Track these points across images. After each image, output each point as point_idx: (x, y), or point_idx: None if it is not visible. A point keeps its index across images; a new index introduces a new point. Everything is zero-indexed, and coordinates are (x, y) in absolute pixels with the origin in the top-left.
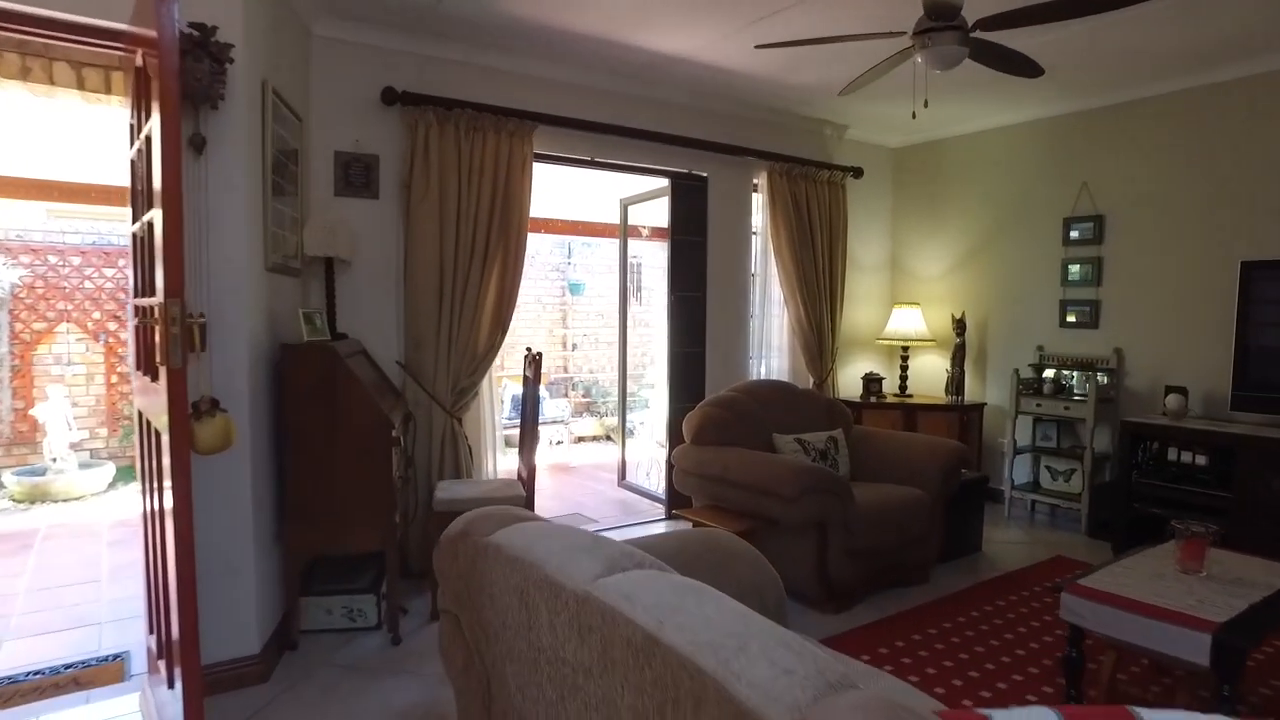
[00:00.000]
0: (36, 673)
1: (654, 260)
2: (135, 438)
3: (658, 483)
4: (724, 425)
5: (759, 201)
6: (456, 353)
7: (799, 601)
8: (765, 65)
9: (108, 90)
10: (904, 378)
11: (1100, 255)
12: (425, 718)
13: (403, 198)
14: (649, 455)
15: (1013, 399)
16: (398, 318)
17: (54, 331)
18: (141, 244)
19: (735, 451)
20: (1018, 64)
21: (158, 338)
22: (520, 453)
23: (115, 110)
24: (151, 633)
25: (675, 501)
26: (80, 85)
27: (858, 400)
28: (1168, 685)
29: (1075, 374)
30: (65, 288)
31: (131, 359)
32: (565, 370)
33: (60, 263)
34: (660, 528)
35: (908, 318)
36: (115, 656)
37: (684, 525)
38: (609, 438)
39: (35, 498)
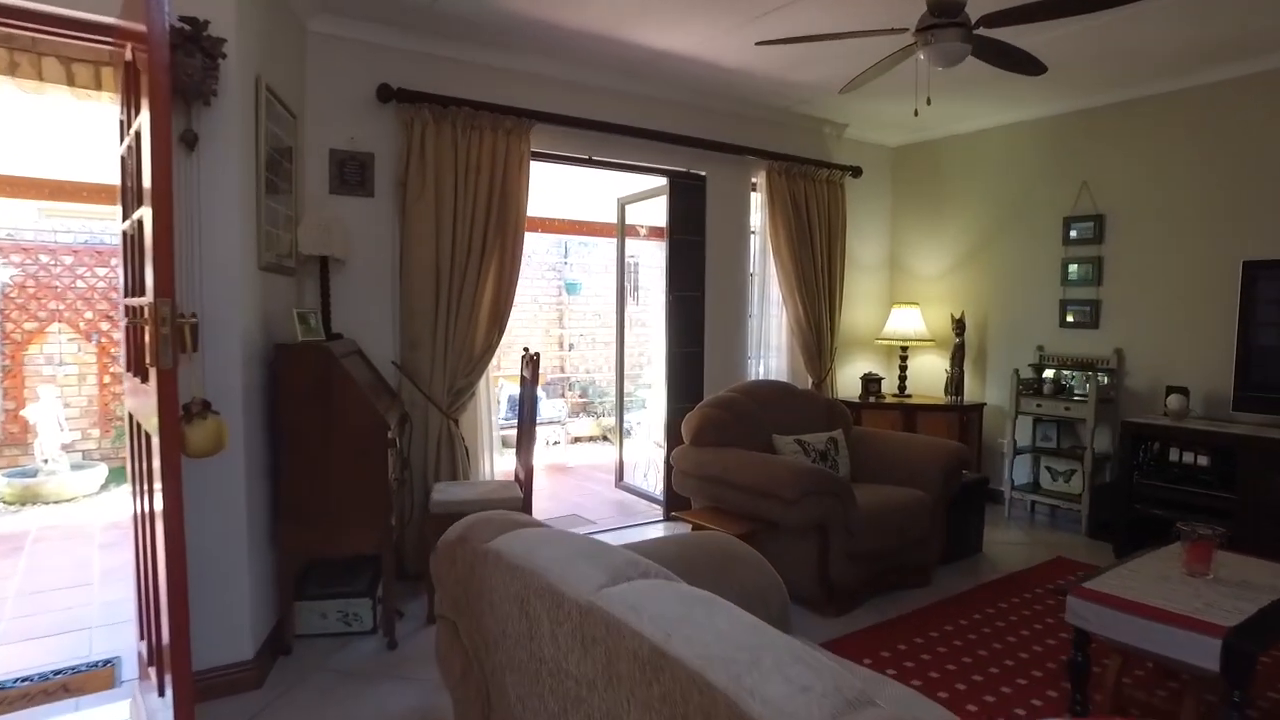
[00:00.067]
0: (25, 679)
1: (652, 260)
2: (126, 439)
3: (655, 484)
4: (723, 426)
5: (758, 200)
6: (453, 353)
7: (800, 605)
8: (765, 63)
9: (98, 86)
10: (903, 378)
11: (1101, 255)
12: None
13: (398, 196)
14: (646, 456)
15: (1013, 399)
16: (393, 317)
17: (45, 331)
18: (132, 242)
19: (735, 453)
20: (1020, 62)
21: (148, 338)
22: (517, 453)
23: (106, 106)
24: (142, 638)
25: (673, 503)
26: (70, 81)
27: (856, 400)
28: (1174, 689)
29: (1075, 374)
30: (57, 287)
31: (123, 360)
32: (562, 370)
33: (52, 262)
34: (659, 529)
35: (907, 317)
36: (106, 662)
37: (683, 527)
38: (606, 438)
39: (26, 499)
